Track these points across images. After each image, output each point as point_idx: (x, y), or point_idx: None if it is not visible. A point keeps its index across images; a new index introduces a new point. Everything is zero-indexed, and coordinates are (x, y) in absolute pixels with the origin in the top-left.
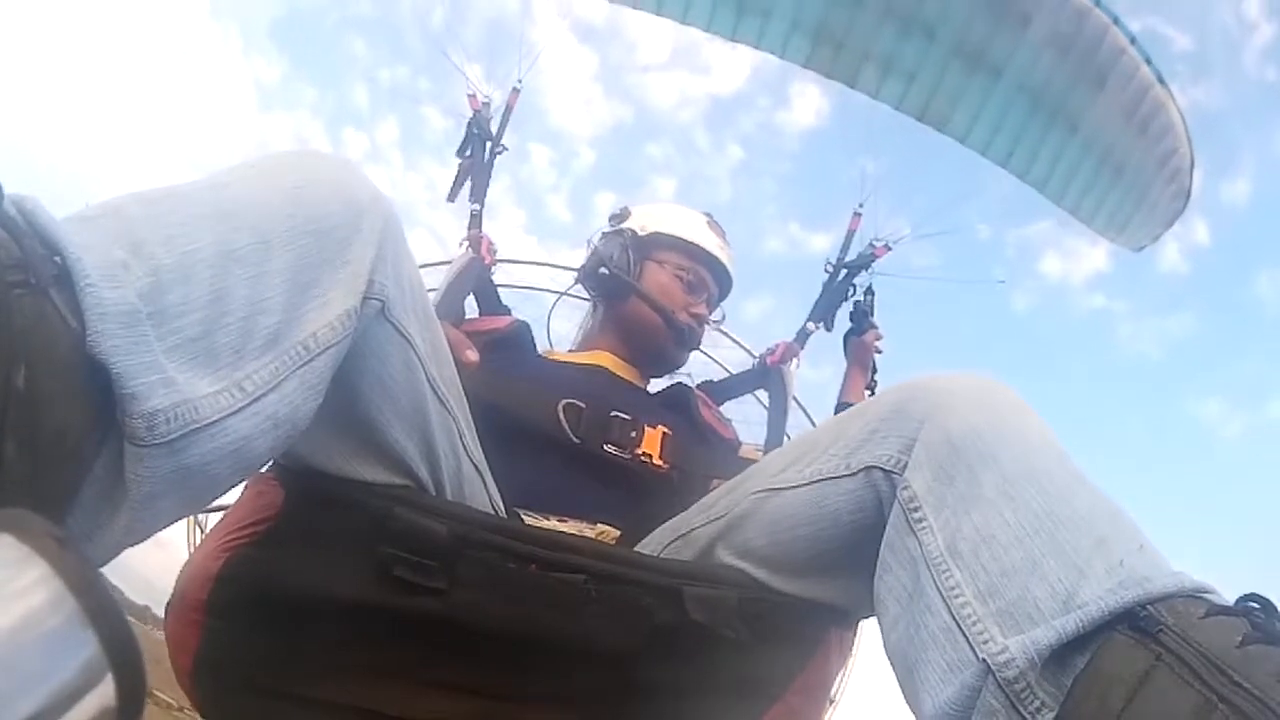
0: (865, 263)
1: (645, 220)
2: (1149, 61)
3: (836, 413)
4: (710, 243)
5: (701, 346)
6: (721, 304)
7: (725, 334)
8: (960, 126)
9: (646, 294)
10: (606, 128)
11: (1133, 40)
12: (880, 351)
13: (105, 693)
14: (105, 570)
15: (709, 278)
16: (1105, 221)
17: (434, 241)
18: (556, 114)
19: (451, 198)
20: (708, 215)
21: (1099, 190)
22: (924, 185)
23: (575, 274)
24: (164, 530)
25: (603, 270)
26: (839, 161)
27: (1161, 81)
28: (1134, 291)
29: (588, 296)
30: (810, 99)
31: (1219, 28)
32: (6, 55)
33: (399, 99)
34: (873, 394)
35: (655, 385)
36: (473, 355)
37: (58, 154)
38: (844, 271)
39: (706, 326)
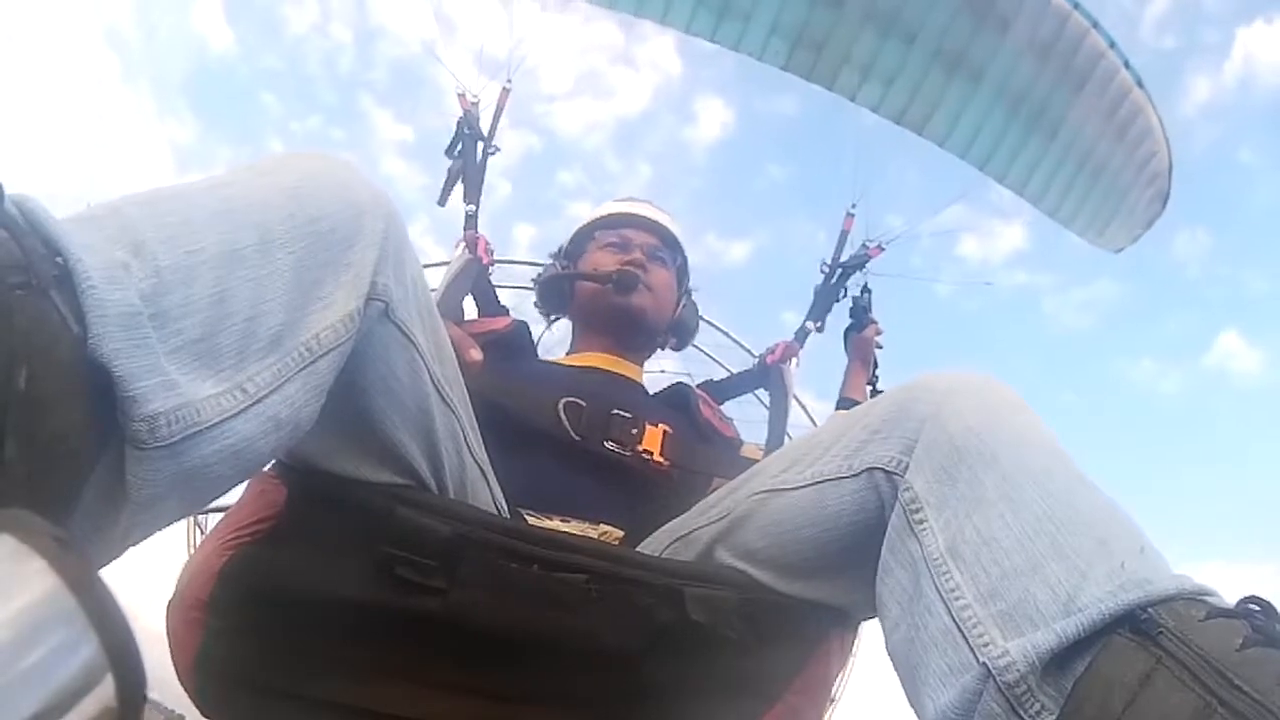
0: (859, 263)
1: (570, 233)
2: (1128, 65)
3: (838, 408)
4: (622, 207)
5: (702, 348)
6: (683, 262)
7: (726, 334)
8: (940, 130)
9: (583, 272)
10: (517, 158)
11: (1112, 44)
12: (880, 347)
13: (105, 693)
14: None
15: (634, 234)
16: (1085, 224)
17: None
18: None
19: (442, 201)
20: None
21: (1078, 193)
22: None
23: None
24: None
25: (542, 279)
26: (746, 171)
27: (1140, 85)
28: (1055, 265)
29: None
30: (714, 112)
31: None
32: None
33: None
34: (874, 389)
35: (654, 384)
36: (477, 354)
37: None
38: (839, 272)
39: (691, 307)
